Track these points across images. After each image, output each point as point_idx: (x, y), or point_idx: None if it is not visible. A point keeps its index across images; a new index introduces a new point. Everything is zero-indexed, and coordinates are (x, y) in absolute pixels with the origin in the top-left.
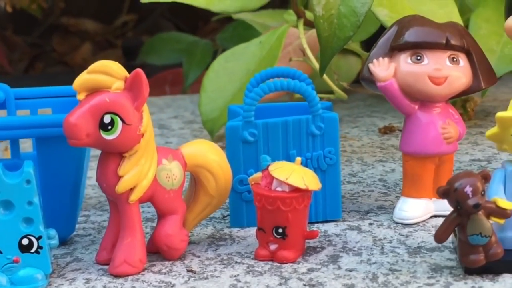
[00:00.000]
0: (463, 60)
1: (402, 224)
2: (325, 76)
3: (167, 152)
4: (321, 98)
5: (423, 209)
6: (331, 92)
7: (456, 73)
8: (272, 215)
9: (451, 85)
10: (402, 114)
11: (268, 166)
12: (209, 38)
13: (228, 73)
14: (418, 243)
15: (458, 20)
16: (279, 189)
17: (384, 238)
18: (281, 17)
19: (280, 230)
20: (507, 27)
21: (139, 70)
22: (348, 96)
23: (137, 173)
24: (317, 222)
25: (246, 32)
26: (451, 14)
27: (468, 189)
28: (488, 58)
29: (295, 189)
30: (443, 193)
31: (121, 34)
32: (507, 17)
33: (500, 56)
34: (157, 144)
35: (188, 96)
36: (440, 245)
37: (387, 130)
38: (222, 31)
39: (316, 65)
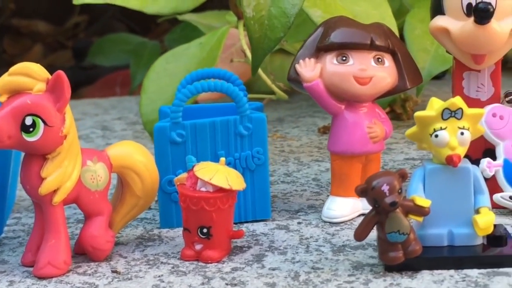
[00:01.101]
0: (388, 61)
1: (330, 223)
2: (265, 77)
3: (92, 154)
4: (262, 99)
5: (350, 208)
6: (272, 92)
7: (381, 73)
8: (196, 215)
9: (376, 85)
10: (330, 114)
11: (193, 166)
12: (159, 40)
13: (169, 74)
14: (343, 241)
15: (392, 20)
16: (203, 189)
17: (311, 237)
18: (225, 18)
19: (205, 230)
20: (431, 28)
21: (60, 72)
22: (292, 96)
23: (60, 175)
24: (247, 222)
25: (193, 33)
26: (384, 14)
27: (385, 188)
28: (423, 58)
29: (219, 189)
30: (361, 192)
31: (72, 35)
32: (432, 17)
33: (434, 56)
34: (98, 146)
35: (135, 98)
36: (364, 243)
37: (326, 130)
38: (170, 32)
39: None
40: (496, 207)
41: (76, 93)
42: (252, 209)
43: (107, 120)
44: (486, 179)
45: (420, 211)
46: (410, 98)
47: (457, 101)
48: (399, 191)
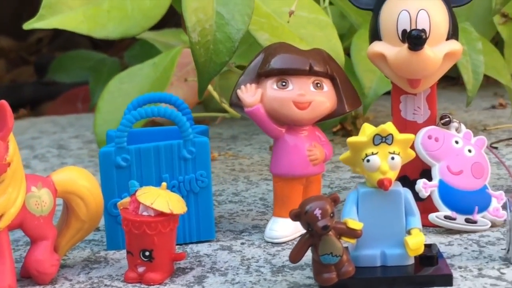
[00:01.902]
0: (327, 85)
1: (272, 243)
2: (217, 96)
3: (37, 180)
4: (216, 117)
5: (292, 229)
6: (225, 111)
7: (319, 98)
8: (139, 239)
9: (315, 109)
10: (271, 138)
11: (136, 191)
12: (119, 56)
13: (123, 94)
14: (283, 262)
15: (337, 42)
16: (145, 213)
17: (252, 258)
18: (181, 37)
19: (147, 253)
20: (369, 53)
21: (3, 101)
22: None
23: (5, 201)
24: (192, 243)
25: (152, 50)
26: (330, 36)
27: (318, 212)
28: (369, 78)
29: (161, 214)
30: (294, 216)
31: (36, 50)
32: (370, 42)
33: (380, 76)
34: (53, 166)
35: (93, 115)
36: (302, 263)
37: None
38: (130, 49)
39: (209, 86)
40: (432, 226)
41: (38, 109)
42: (197, 231)
43: (64, 139)
44: (422, 199)
45: (352, 233)
46: (360, 116)
47: (388, 127)
48: (331, 214)
